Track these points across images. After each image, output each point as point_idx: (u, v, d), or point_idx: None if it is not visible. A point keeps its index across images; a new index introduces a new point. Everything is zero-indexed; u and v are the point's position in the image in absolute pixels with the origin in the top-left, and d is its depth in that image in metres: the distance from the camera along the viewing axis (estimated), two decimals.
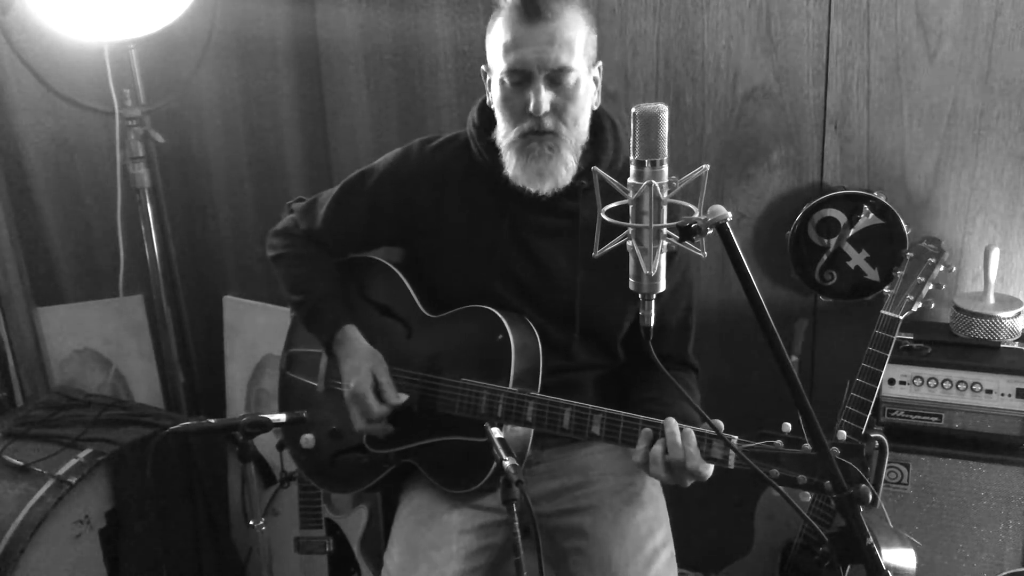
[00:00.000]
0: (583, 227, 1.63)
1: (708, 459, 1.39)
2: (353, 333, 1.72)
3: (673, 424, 1.41)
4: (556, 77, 1.50)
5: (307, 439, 1.77)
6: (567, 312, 1.66)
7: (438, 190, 1.68)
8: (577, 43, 1.51)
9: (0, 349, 2.49)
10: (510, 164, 1.56)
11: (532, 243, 1.64)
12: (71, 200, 2.62)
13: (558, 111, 1.52)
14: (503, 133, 1.58)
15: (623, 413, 1.48)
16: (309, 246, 1.81)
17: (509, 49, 1.50)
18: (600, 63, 1.61)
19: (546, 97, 1.50)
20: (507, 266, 1.66)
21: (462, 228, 1.67)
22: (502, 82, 1.54)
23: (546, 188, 1.56)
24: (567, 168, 1.55)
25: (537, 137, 1.53)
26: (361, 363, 1.68)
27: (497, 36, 1.53)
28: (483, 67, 1.62)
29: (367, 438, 1.74)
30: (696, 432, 1.40)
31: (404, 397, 1.66)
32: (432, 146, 1.72)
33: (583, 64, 1.53)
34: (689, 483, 1.42)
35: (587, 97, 1.57)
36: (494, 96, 1.59)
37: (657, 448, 1.41)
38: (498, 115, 1.58)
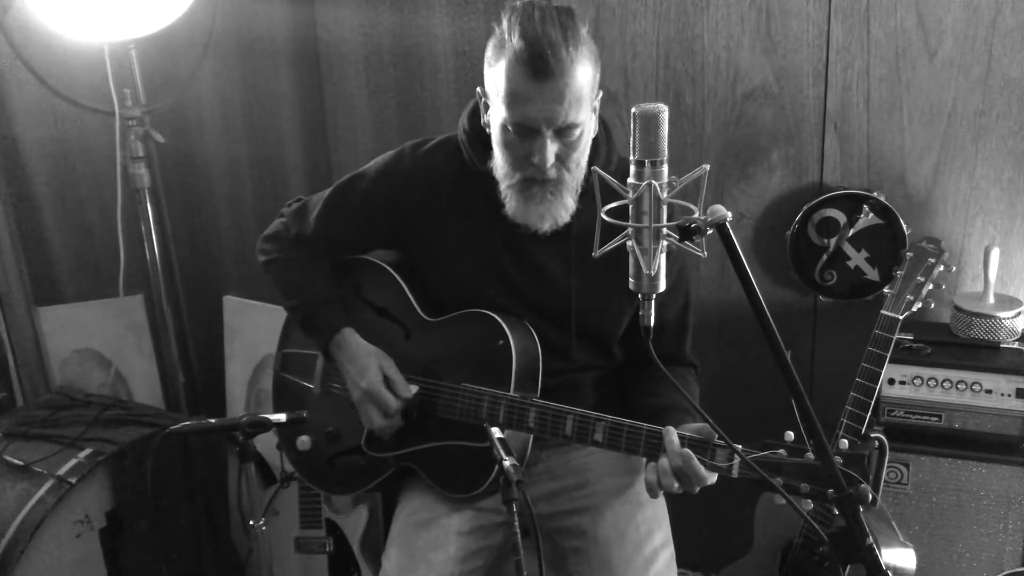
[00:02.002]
0: (576, 232, 1.62)
1: (712, 468, 1.39)
2: (351, 336, 1.71)
3: (672, 433, 1.42)
4: (563, 131, 1.46)
5: (303, 441, 1.77)
6: (563, 316, 1.66)
7: (430, 194, 1.66)
8: (585, 94, 1.45)
9: (0, 349, 2.49)
10: (510, 204, 1.55)
11: (526, 247, 1.63)
12: (71, 200, 2.62)
13: (562, 159, 1.49)
14: (502, 172, 1.55)
15: (627, 422, 1.48)
16: (301, 250, 1.79)
17: (515, 102, 1.43)
18: (600, 93, 1.55)
19: (552, 150, 1.46)
20: (502, 270, 1.65)
21: (455, 232, 1.66)
22: (505, 128, 1.48)
23: (545, 227, 1.55)
24: (566, 210, 1.55)
25: (540, 184, 1.51)
26: (368, 361, 1.67)
27: (500, 78, 1.45)
28: (479, 89, 1.56)
29: (365, 441, 1.73)
30: (702, 444, 1.40)
31: (415, 389, 1.66)
32: (424, 149, 1.70)
33: (588, 112, 1.48)
34: (697, 489, 1.42)
35: (590, 137, 1.53)
36: (494, 136, 1.53)
37: (663, 461, 1.41)
38: (497, 152, 1.54)
